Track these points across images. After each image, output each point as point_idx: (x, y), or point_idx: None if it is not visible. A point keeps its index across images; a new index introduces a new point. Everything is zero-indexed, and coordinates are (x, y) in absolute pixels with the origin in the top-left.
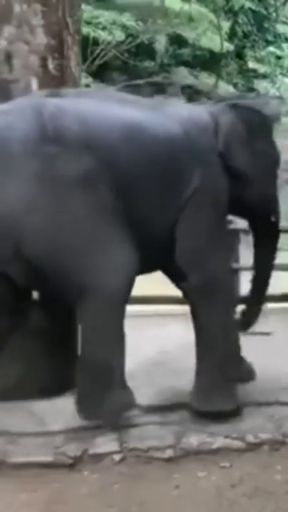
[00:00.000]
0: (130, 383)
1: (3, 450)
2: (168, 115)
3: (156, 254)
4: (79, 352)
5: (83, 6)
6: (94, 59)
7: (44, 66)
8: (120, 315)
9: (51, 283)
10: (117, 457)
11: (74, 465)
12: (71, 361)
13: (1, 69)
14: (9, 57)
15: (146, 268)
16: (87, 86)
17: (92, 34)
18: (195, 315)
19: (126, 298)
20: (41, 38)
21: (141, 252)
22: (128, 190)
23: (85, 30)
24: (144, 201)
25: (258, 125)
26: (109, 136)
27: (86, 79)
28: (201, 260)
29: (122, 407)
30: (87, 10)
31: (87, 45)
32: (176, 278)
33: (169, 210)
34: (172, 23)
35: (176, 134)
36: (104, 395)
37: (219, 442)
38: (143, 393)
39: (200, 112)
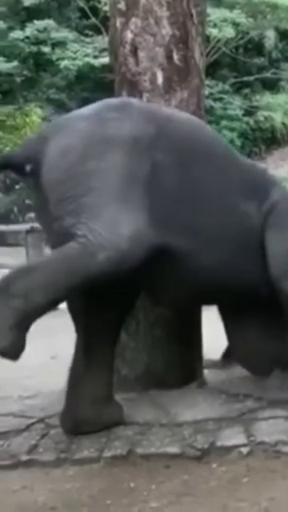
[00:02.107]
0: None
1: (133, 441)
2: None
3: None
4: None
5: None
6: (205, 57)
7: (169, 57)
8: None
9: None
10: (244, 450)
11: (201, 457)
12: (196, 352)
13: (127, 61)
14: (135, 49)
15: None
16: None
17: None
18: None
19: None
20: (166, 30)
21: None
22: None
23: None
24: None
25: None
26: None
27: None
28: None
29: None
30: None
31: None
32: None
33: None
34: (281, 18)
35: None
36: None
37: None
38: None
39: None
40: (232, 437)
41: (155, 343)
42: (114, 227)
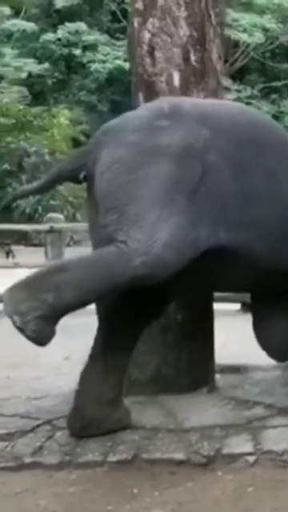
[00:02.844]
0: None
1: (139, 445)
2: None
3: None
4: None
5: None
6: (235, 61)
7: (186, 58)
8: None
9: None
10: (251, 458)
11: (207, 464)
12: (208, 357)
13: (144, 62)
14: (152, 49)
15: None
16: (226, 88)
17: (232, 37)
18: None
19: None
20: (183, 30)
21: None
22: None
23: (225, 32)
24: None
25: None
26: (225, 119)
27: (224, 82)
28: None
29: None
30: (228, 13)
31: (228, 47)
32: None
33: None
34: None
35: None
36: None
37: None
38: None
39: None
40: (239, 444)
41: (166, 347)
42: (152, 233)
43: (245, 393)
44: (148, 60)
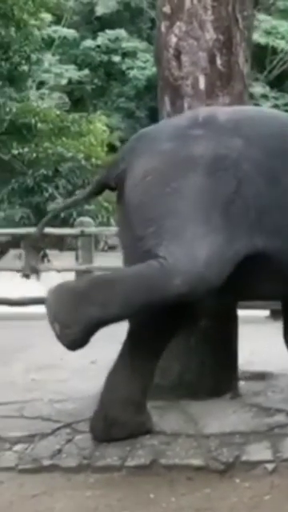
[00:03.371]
0: None
1: (157, 450)
2: None
3: None
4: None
5: (264, 16)
6: (273, 69)
7: (212, 62)
8: None
9: None
10: (269, 466)
11: (225, 471)
12: (231, 363)
13: (170, 65)
14: (178, 53)
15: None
16: (264, 96)
17: (271, 44)
18: None
19: None
20: (210, 34)
21: None
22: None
23: (264, 39)
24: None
25: None
26: (260, 129)
27: (263, 88)
28: None
29: None
30: (266, 20)
31: (266, 54)
32: None
33: None
34: None
35: None
36: None
37: None
38: None
39: None
40: (258, 452)
41: (189, 352)
42: (192, 251)
43: (267, 400)
44: (174, 64)
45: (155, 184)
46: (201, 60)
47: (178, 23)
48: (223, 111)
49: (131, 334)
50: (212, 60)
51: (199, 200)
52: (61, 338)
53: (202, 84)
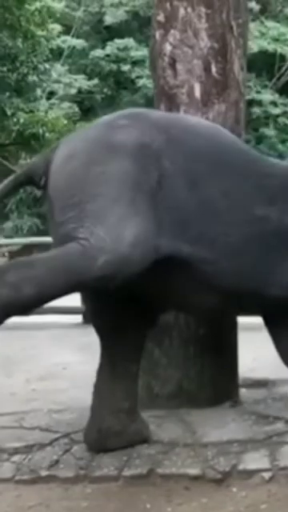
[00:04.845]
0: None
1: (154, 460)
2: None
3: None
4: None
5: (272, 23)
6: (281, 75)
7: (207, 70)
8: None
9: None
10: (266, 475)
11: (222, 480)
12: (231, 370)
13: (166, 73)
14: (173, 61)
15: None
16: (273, 102)
17: (279, 51)
18: None
19: None
20: (204, 42)
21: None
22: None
23: (272, 46)
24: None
25: None
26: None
27: (271, 95)
28: None
29: None
30: (275, 27)
31: (274, 61)
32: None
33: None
34: None
35: None
36: None
37: None
38: None
39: None
40: (255, 460)
41: (188, 361)
42: (116, 231)
43: (267, 407)
44: (169, 72)
45: (78, 168)
46: (196, 68)
47: (172, 31)
48: (156, 112)
49: (104, 343)
50: (207, 68)
51: (123, 184)
52: None
53: (197, 92)
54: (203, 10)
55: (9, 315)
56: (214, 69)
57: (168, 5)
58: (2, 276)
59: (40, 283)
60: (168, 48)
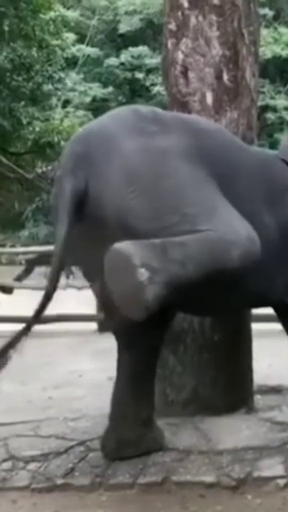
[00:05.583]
0: None
1: (169, 468)
2: None
3: None
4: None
5: (285, 29)
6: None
7: (219, 77)
8: None
9: None
10: (281, 482)
11: (237, 487)
12: (246, 377)
13: (178, 82)
14: (185, 70)
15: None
16: (287, 108)
17: None
18: None
19: None
20: (216, 50)
21: None
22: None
23: (285, 52)
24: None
25: None
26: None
27: (285, 101)
28: None
29: None
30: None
31: None
32: None
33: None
34: None
35: None
36: None
37: None
38: None
39: None
40: (270, 467)
41: (203, 367)
42: (232, 228)
43: (282, 414)
44: (181, 80)
45: (147, 180)
46: (207, 76)
47: (184, 40)
48: (169, 113)
49: (125, 357)
50: (219, 76)
51: (203, 187)
52: (143, 287)
53: (209, 100)
54: (214, 18)
55: (171, 289)
56: (225, 76)
57: (179, 14)
58: (166, 252)
59: (198, 263)
60: (180, 56)
